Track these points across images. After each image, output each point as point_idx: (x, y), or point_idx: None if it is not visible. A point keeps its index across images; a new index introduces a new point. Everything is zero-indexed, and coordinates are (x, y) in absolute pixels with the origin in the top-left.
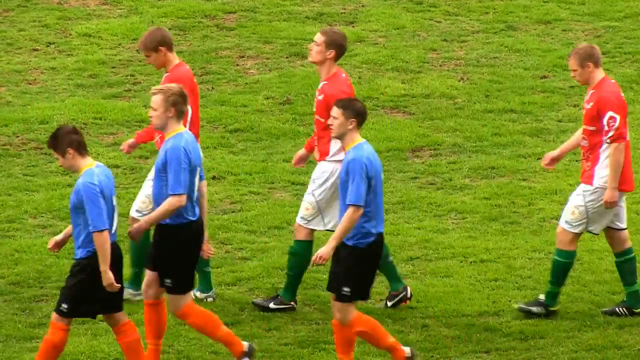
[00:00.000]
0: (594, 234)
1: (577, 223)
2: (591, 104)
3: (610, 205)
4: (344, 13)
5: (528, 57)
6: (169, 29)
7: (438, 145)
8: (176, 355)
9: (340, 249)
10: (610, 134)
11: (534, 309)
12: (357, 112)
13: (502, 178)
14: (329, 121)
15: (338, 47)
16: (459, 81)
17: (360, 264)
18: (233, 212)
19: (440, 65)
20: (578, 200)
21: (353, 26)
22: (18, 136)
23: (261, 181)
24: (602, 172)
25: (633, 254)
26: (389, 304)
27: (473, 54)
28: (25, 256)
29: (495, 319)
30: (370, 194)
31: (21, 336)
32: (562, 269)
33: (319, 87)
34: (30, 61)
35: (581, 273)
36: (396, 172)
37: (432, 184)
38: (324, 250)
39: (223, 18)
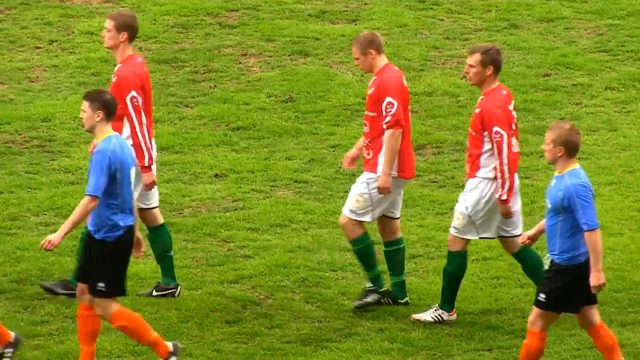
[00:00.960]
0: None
1: (362, 211)
2: (372, 89)
3: (384, 191)
4: (347, 11)
5: (530, 55)
6: (172, 26)
7: (440, 143)
8: None
9: (92, 244)
10: (387, 119)
11: (369, 299)
12: (103, 104)
13: None
14: (80, 115)
15: (129, 28)
16: (462, 79)
17: (111, 258)
18: (235, 210)
19: (442, 64)
20: (361, 188)
21: (355, 24)
22: (20, 134)
23: (263, 179)
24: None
25: (403, 245)
26: (155, 293)
27: None
28: (28, 254)
29: (497, 316)
30: (116, 187)
31: (23, 334)
32: (364, 254)
33: (114, 70)
34: (32, 59)
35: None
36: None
37: (434, 181)
38: (55, 236)
39: (225, 16)
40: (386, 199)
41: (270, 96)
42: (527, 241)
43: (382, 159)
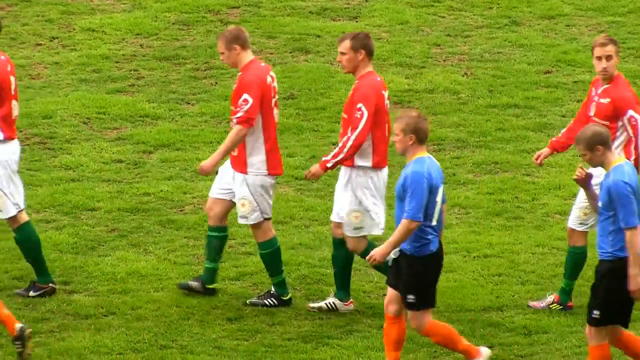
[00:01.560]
0: (266, 219)
1: (252, 214)
2: (235, 85)
3: (203, 172)
4: (348, 8)
5: (532, 52)
6: (173, 23)
7: (442, 140)
8: (179, 350)
9: None
10: (239, 114)
11: (267, 301)
12: None
13: (505, 173)
14: None
15: None
16: (463, 76)
17: None
18: None
19: (444, 61)
20: (243, 192)
21: (357, 21)
22: (21, 131)
23: None
24: (254, 158)
25: (226, 235)
26: (32, 293)
27: (477, 49)
28: None
29: (498, 314)
30: None
31: None
32: (270, 259)
33: None
34: (33, 56)
35: (584, 268)
36: (400, 167)
37: None
38: None
39: (227, 13)
40: (267, 195)
41: None
42: None
43: (250, 158)
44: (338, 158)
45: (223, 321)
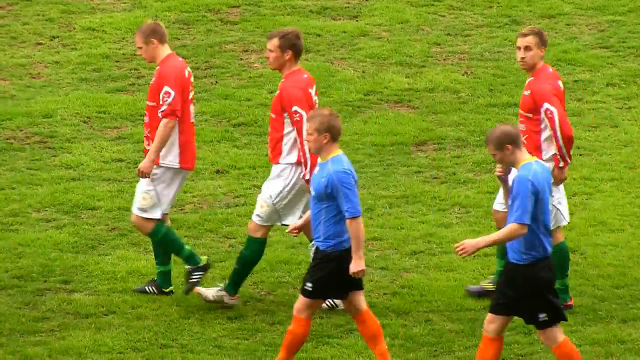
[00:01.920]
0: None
1: (151, 208)
2: (154, 79)
3: (143, 175)
4: (348, 7)
5: None
6: (173, 22)
7: (442, 139)
8: (180, 349)
9: None
10: (163, 108)
11: (193, 278)
12: None
13: None
14: None
15: None
16: (463, 75)
17: None
18: (237, 206)
19: (444, 60)
20: (146, 184)
21: (357, 20)
22: (22, 130)
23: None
24: (167, 151)
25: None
26: None
27: (477, 48)
28: (29, 250)
29: None
30: None
31: (25, 330)
32: (166, 241)
33: None
34: (34, 55)
35: (585, 267)
36: (400, 166)
37: (436, 178)
38: None
39: (227, 12)
40: (170, 190)
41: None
42: (294, 232)
43: (163, 150)
44: (309, 166)
45: (223, 320)
